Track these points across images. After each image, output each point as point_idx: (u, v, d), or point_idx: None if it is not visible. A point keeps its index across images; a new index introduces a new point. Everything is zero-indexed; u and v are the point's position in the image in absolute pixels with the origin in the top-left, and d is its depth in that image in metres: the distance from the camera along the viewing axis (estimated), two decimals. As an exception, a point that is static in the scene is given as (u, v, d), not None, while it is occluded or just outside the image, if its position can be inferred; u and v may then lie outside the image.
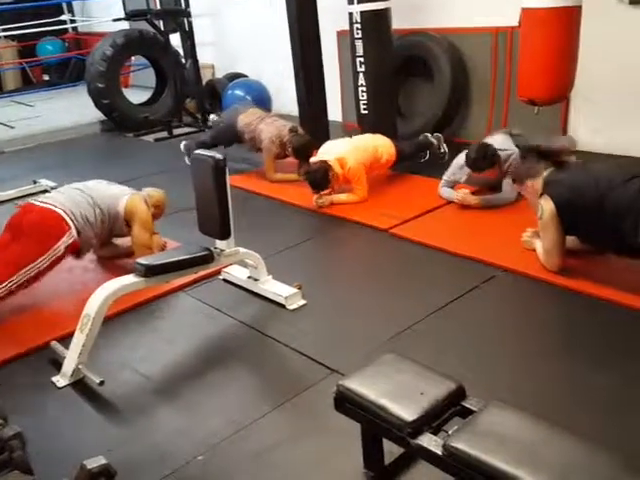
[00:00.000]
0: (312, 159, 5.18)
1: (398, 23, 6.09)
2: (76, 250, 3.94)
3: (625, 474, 1.67)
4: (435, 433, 1.94)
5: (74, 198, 3.95)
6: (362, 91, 5.92)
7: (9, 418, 2.11)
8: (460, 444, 1.80)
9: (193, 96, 8.71)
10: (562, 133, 5.69)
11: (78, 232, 3.85)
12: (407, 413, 1.95)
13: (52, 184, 5.70)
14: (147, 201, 4.17)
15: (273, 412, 2.77)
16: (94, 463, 1.87)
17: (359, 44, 5.77)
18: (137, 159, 7.20)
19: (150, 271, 3.23)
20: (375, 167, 5.25)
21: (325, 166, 4.93)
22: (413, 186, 5.36)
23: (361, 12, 5.65)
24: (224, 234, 3.49)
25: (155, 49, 8.53)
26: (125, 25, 9.12)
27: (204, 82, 8.68)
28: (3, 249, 3.72)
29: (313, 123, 6.33)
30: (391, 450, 2.27)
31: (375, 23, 5.71)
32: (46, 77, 12.38)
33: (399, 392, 2.05)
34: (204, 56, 8.87)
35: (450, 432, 1.88)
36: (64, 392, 3.03)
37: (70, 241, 3.81)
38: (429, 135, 5.76)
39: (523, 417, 1.88)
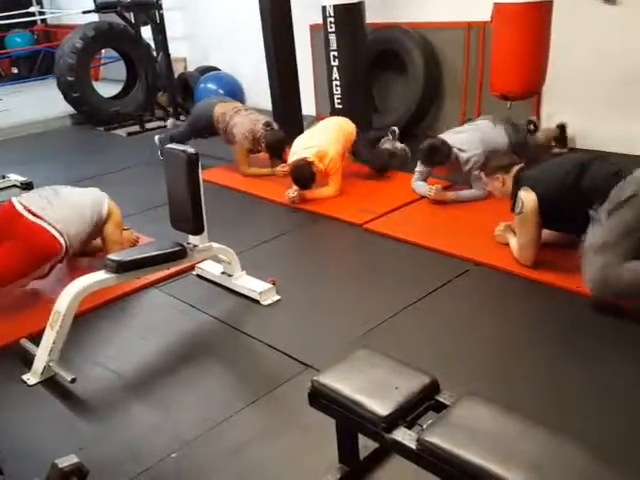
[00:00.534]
0: (289, 156, 5.15)
1: (372, 17, 6.09)
2: (59, 262, 3.87)
3: (595, 466, 1.69)
4: (409, 427, 1.94)
5: (67, 217, 3.78)
6: (336, 85, 5.92)
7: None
8: (434, 438, 1.80)
9: (165, 89, 8.64)
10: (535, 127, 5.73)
11: (66, 249, 3.75)
12: (381, 408, 1.95)
13: (21, 179, 5.61)
14: None
15: (247, 408, 2.76)
16: (66, 462, 1.85)
17: (333, 38, 5.77)
18: (109, 153, 7.13)
19: (121, 267, 3.19)
20: (346, 149, 5.25)
21: (308, 162, 4.91)
22: (386, 181, 5.37)
23: (334, 6, 5.65)
24: (197, 229, 3.47)
25: (126, 42, 8.44)
26: (95, 17, 9.00)
27: (176, 75, 8.61)
28: None
29: (287, 117, 6.31)
30: (366, 445, 2.27)
31: (348, 17, 5.71)
32: (15, 70, 12.21)
33: (373, 387, 2.05)
34: (176, 49, 8.81)
35: (424, 426, 1.89)
36: (35, 390, 2.99)
37: (56, 261, 3.77)
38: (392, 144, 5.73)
39: (496, 410, 1.89)
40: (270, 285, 3.66)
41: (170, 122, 7.39)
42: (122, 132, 8.00)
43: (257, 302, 3.60)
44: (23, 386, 3.02)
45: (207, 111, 5.92)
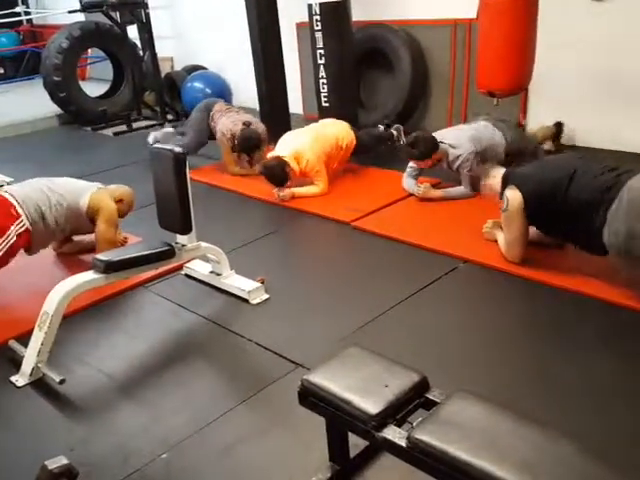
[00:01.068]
0: (269, 154, 5.15)
1: (358, 15, 6.09)
2: (28, 243, 3.82)
3: (586, 462, 1.69)
4: (399, 425, 1.94)
5: (30, 193, 3.85)
6: (323, 83, 5.92)
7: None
8: (424, 436, 1.81)
9: (152, 89, 8.61)
10: (521, 124, 5.75)
11: (30, 224, 3.75)
12: (371, 406, 1.95)
13: (8, 179, 5.58)
14: (112, 197, 4.10)
15: (237, 408, 2.75)
16: (55, 463, 1.84)
17: (319, 36, 5.77)
18: (96, 153, 7.10)
19: (110, 267, 3.18)
20: (336, 156, 5.25)
21: (282, 161, 4.92)
22: (375, 178, 5.38)
23: (320, 4, 5.65)
24: (185, 229, 3.46)
25: (112, 41, 8.41)
26: (81, 17, 8.95)
27: (163, 75, 8.58)
28: None
29: (274, 116, 6.31)
30: (356, 443, 2.27)
31: (334, 15, 5.71)
32: (1, 70, 12.11)
33: (363, 385, 2.05)
34: (163, 48, 8.77)
35: (414, 424, 1.89)
36: (24, 391, 2.98)
37: (22, 230, 3.73)
38: (389, 125, 5.78)
39: (486, 407, 1.89)
40: (259, 284, 3.65)
41: (152, 136, 7.21)
42: (109, 132, 7.96)
43: (246, 301, 3.60)
44: (12, 387, 3.00)
45: (207, 112, 5.94)
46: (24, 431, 2.74)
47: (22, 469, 2.29)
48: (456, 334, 3.17)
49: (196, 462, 2.48)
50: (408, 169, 4.95)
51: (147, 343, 3.34)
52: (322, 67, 5.87)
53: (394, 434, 1.89)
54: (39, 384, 3.01)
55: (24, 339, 3.17)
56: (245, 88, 7.65)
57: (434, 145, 4.60)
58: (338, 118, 5.51)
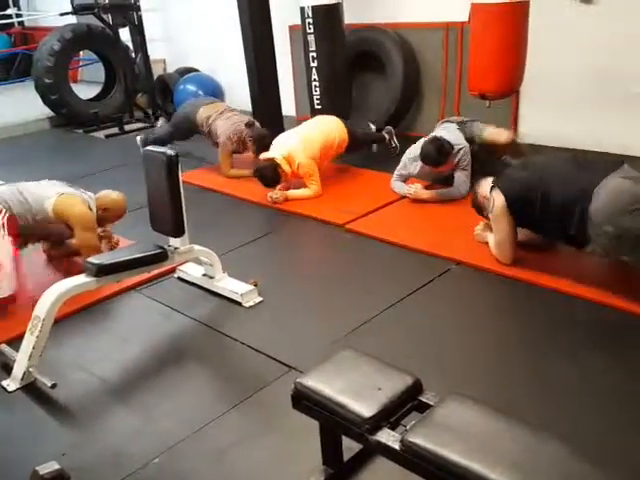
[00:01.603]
0: (262, 155, 5.15)
1: (350, 18, 6.10)
2: (16, 229, 3.75)
3: (579, 464, 1.70)
4: (393, 428, 1.94)
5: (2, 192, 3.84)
6: (315, 86, 5.93)
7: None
8: (417, 439, 1.81)
9: (144, 91, 8.59)
10: (513, 126, 5.77)
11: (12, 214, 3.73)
12: (365, 409, 1.95)
13: (-1, 182, 5.55)
14: (89, 203, 3.98)
15: (230, 411, 2.75)
16: (47, 469, 1.84)
17: (311, 39, 5.77)
18: (88, 156, 7.08)
19: (101, 271, 3.17)
20: (329, 154, 5.26)
21: (273, 163, 4.92)
22: (367, 181, 5.38)
23: (312, 7, 5.65)
24: (178, 231, 3.44)
25: (104, 44, 8.38)
26: (73, 19, 8.93)
27: (155, 77, 8.56)
28: None
29: (267, 118, 6.29)
30: (350, 446, 2.27)
31: (327, 18, 5.71)
32: (-8, 72, 12.08)
33: (356, 388, 2.04)
34: (155, 51, 8.75)
35: (408, 427, 1.89)
36: (15, 396, 2.96)
37: (4, 219, 3.68)
38: (379, 130, 5.79)
39: (479, 410, 1.89)
40: (252, 287, 3.64)
41: (160, 123, 7.30)
42: (100, 134, 7.93)
43: (239, 304, 3.59)
44: (3, 392, 2.98)
45: (192, 113, 5.93)
46: (15, 436, 2.72)
47: (13, 475, 2.27)
48: (450, 336, 3.17)
49: (189, 466, 2.47)
50: (395, 175, 4.95)
51: (139, 347, 3.33)
52: (314, 70, 5.87)
53: (388, 437, 1.89)
54: (30, 388, 2.99)
55: (15, 343, 3.16)
56: (238, 90, 7.63)
57: (452, 147, 4.61)
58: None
